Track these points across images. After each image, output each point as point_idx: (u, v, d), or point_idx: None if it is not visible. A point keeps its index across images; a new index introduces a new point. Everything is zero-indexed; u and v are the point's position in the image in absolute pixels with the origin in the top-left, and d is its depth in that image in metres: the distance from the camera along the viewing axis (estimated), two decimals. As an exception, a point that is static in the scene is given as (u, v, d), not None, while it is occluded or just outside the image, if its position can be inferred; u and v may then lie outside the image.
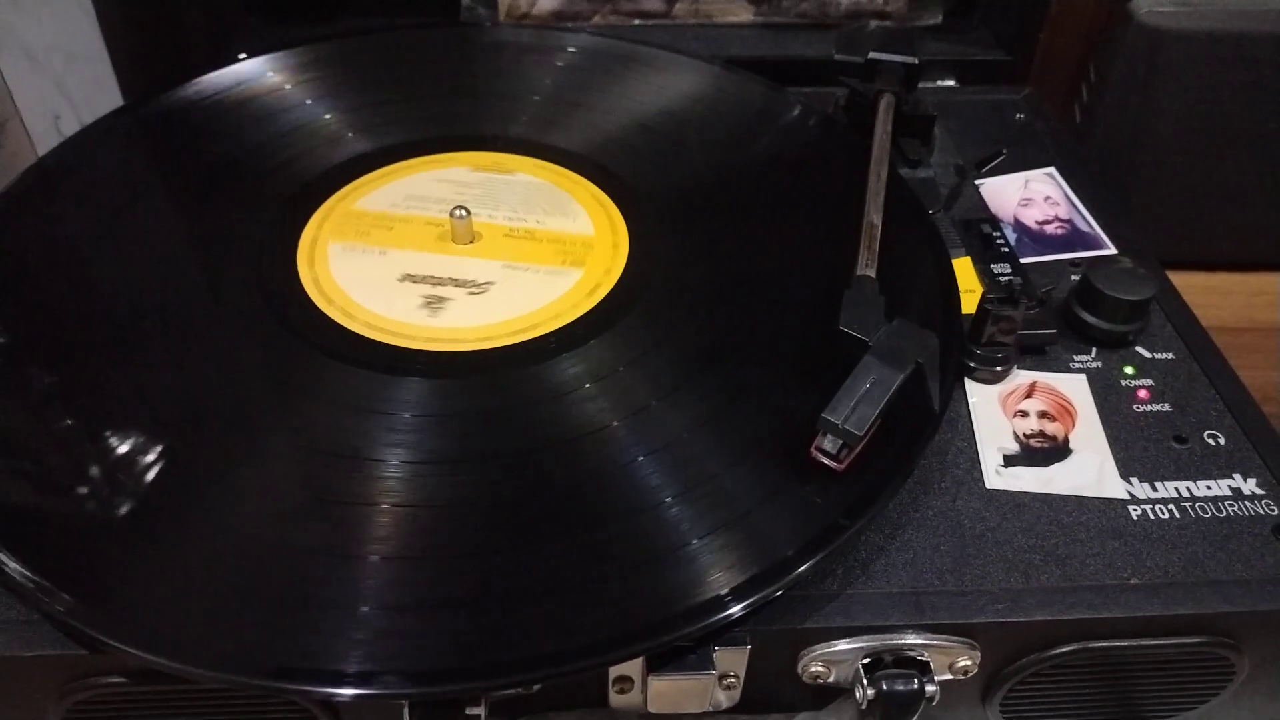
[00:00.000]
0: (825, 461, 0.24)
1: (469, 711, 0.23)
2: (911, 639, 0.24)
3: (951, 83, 0.43)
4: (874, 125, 0.33)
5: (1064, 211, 0.35)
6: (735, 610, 0.22)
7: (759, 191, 0.33)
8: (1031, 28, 0.43)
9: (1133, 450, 0.27)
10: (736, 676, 0.24)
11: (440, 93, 0.37)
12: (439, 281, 0.29)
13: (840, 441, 0.24)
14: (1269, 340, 0.42)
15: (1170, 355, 0.30)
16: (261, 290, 0.29)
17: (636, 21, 0.45)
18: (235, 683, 0.21)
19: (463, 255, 0.30)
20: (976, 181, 0.36)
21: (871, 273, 0.28)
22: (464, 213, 0.30)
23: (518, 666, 0.21)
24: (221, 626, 0.21)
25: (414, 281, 0.29)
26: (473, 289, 0.29)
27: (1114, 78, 0.41)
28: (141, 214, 0.32)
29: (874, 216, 0.29)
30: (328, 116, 0.35)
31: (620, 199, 0.32)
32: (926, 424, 0.25)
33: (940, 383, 0.25)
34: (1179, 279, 0.42)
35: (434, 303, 0.28)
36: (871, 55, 0.36)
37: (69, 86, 0.40)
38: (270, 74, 0.36)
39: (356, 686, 0.20)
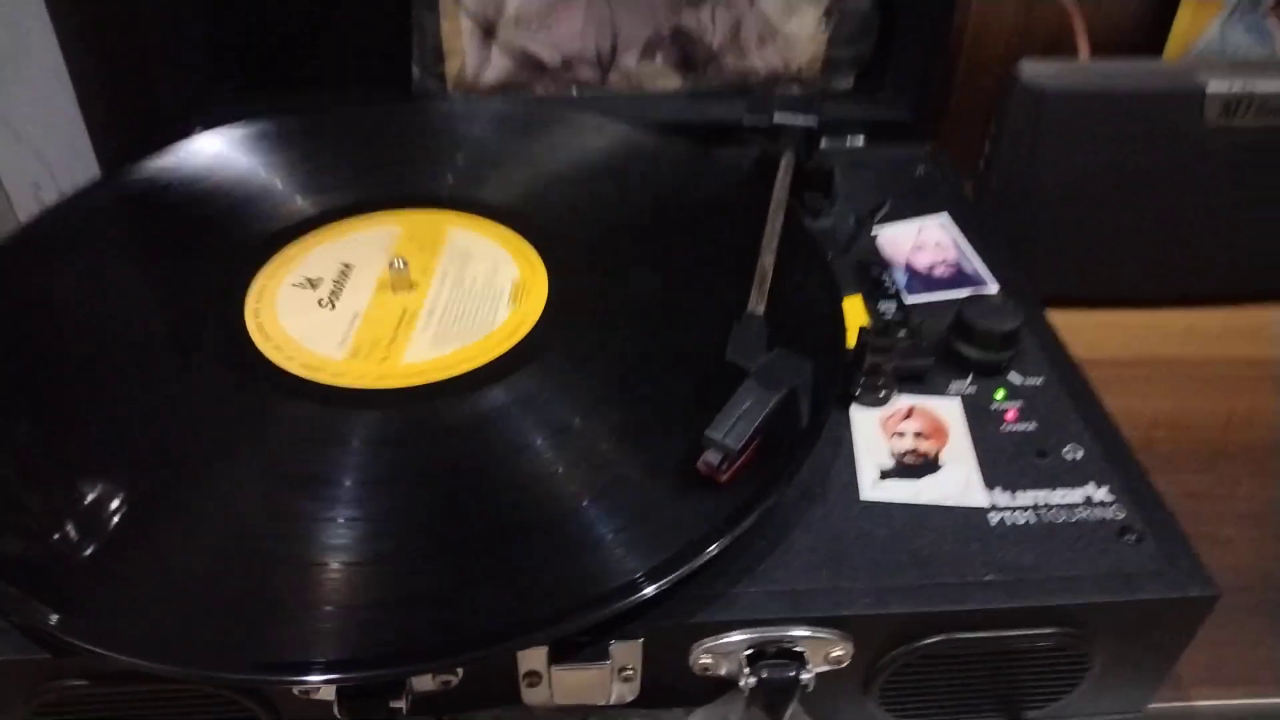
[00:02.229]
0: (710, 474, 0.27)
1: (393, 704, 0.26)
2: (790, 632, 0.26)
3: (861, 141, 0.47)
4: (777, 187, 0.37)
5: (952, 255, 0.39)
6: (634, 599, 0.24)
7: (673, 238, 0.37)
8: (932, 92, 0.47)
9: (998, 464, 0.31)
10: (634, 669, 0.26)
11: (388, 160, 0.41)
12: (379, 324, 0.33)
13: (722, 455, 0.27)
14: (1160, 371, 0.46)
15: (1039, 380, 0.34)
16: (218, 335, 0.32)
17: (574, 90, 0.49)
18: (180, 674, 0.23)
19: (399, 300, 0.34)
20: (875, 229, 0.40)
21: (760, 310, 0.31)
22: (401, 263, 0.34)
23: (431, 653, 0.24)
24: (176, 628, 0.24)
25: (354, 324, 0.32)
26: (408, 330, 0.32)
27: (1005, 133, 0.45)
28: (112, 272, 0.35)
29: (766, 260, 0.33)
30: (279, 182, 0.39)
31: (545, 247, 0.36)
32: (802, 442, 0.28)
33: (816, 405, 0.29)
34: (1077, 316, 0.46)
35: (375, 342, 0.32)
36: (776, 119, 0.40)
37: (48, 156, 0.43)
38: (229, 145, 0.40)
39: (281, 674, 0.23)
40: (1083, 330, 0.46)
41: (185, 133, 0.40)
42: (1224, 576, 0.33)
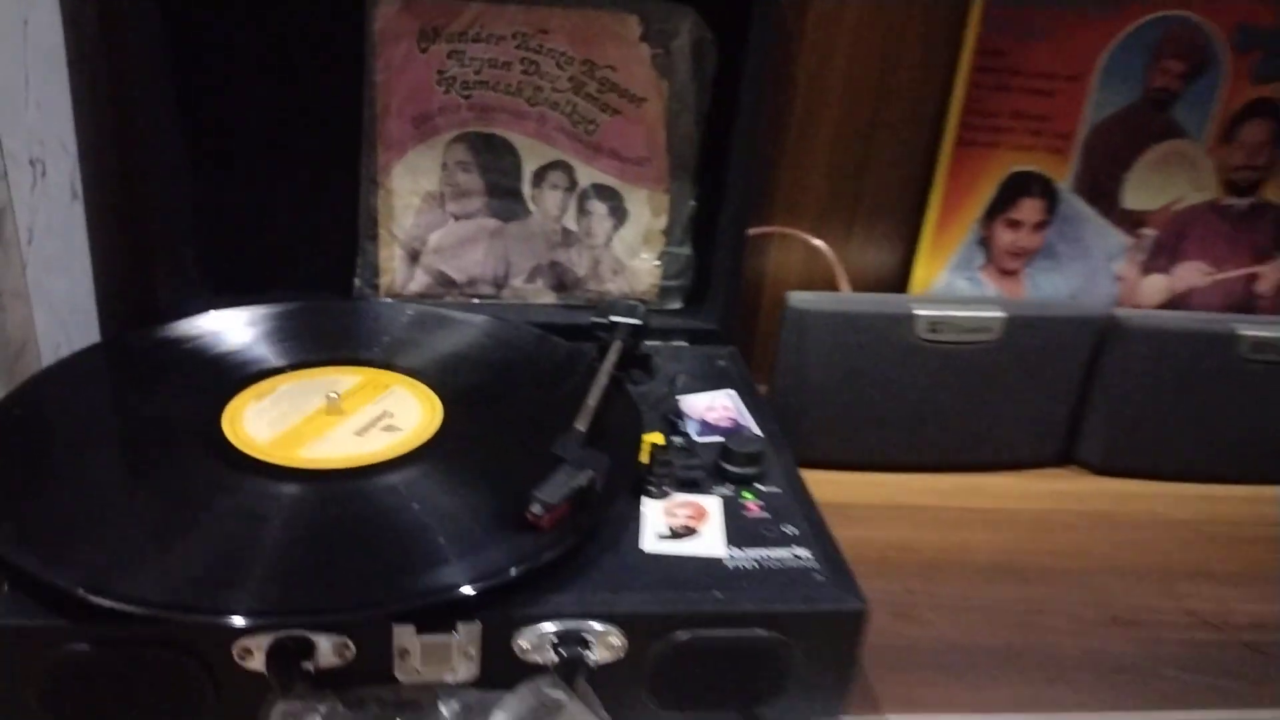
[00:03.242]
0: (535, 522, 0.41)
1: (304, 664, 0.37)
2: (584, 624, 0.39)
3: (684, 343, 0.64)
4: (606, 359, 0.54)
5: (732, 414, 0.55)
6: (471, 593, 0.37)
7: (535, 394, 0.52)
8: (732, 313, 0.65)
9: (739, 535, 0.45)
10: (474, 649, 0.39)
11: (335, 336, 0.56)
12: (312, 431, 0.47)
13: (543, 508, 0.41)
14: (900, 514, 0.61)
15: (778, 489, 0.49)
16: (201, 439, 0.46)
17: (476, 300, 0.66)
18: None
19: (333, 421, 0.48)
20: (680, 396, 0.56)
21: (581, 427, 0.46)
22: (335, 395, 0.48)
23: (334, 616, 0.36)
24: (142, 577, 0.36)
25: (300, 432, 0.46)
26: (336, 439, 0.46)
27: (783, 341, 0.62)
28: (118, 401, 0.49)
29: (590, 399, 0.48)
30: (251, 345, 0.54)
31: (444, 395, 0.51)
32: (596, 508, 0.42)
33: (611, 488, 0.43)
34: (844, 475, 0.62)
35: (304, 441, 0.46)
36: (611, 318, 0.57)
37: (69, 326, 0.58)
38: (210, 325, 0.55)
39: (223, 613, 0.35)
40: (847, 484, 0.63)
41: (177, 315, 0.56)
42: (921, 644, 0.47)
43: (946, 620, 0.52)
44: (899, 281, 0.72)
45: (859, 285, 0.72)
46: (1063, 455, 0.68)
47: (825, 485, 0.61)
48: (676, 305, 0.67)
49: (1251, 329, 0.63)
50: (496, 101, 0.61)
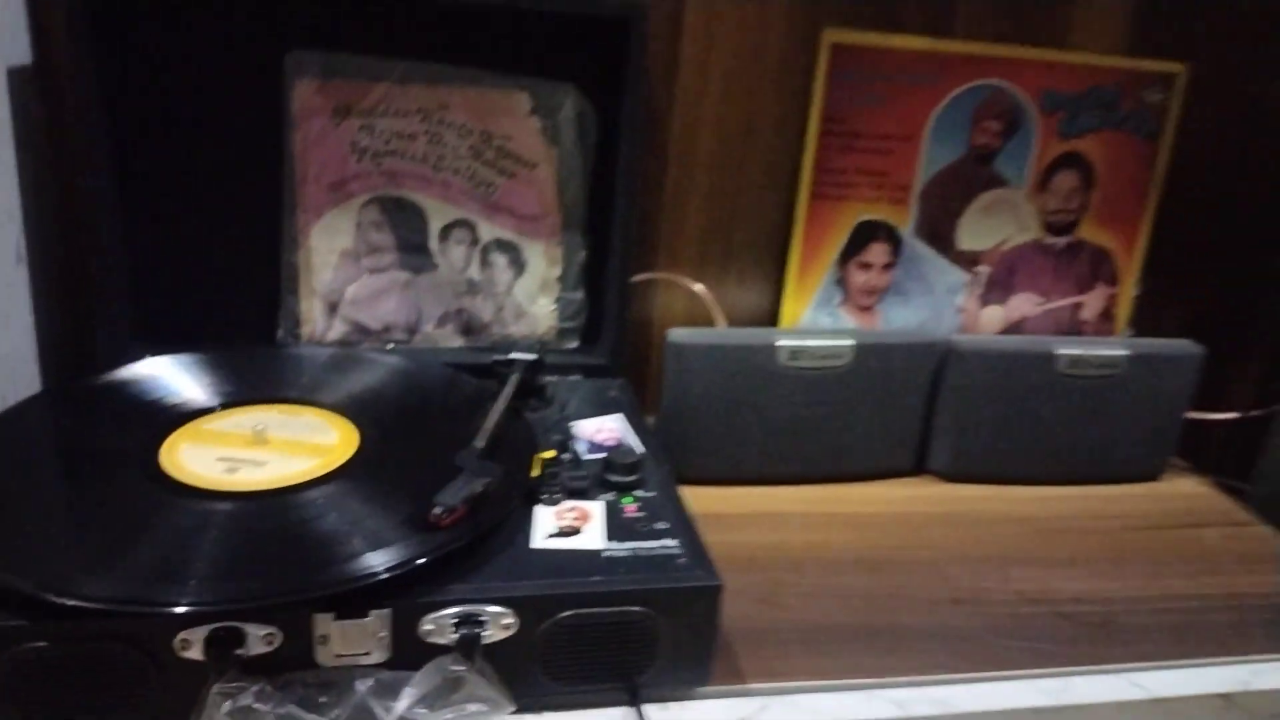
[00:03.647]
0: (437, 521, 0.48)
1: (237, 651, 0.43)
2: (479, 608, 0.46)
3: (580, 377, 0.72)
4: (505, 389, 0.61)
5: (618, 435, 0.63)
6: (381, 574, 0.44)
7: (442, 422, 0.59)
8: (621, 351, 0.73)
9: (618, 531, 0.52)
10: (386, 633, 0.45)
11: (258, 381, 0.63)
12: (246, 461, 0.53)
13: (444, 509, 0.48)
14: (773, 520, 0.69)
15: (654, 494, 0.56)
16: (142, 469, 0.52)
17: (390, 345, 0.73)
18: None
19: (259, 450, 0.54)
20: (572, 421, 0.64)
21: (480, 444, 0.53)
22: (261, 427, 0.55)
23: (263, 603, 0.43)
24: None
25: (230, 460, 0.53)
26: (262, 465, 0.53)
27: (666, 370, 0.71)
28: (67, 440, 0.55)
29: (489, 421, 0.56)
30: (185, 388, 0.60)
31: (358, 424, 0.57)
32: (491, 510, 0.50)
33: (507, 494, 0.50)
34: (726, 489, 0.70)
35: (234, 469, 0.52)
36: (511, 356, 0.65)
37: (16, 378, 0.63)
38: (147, 370, 0.61)
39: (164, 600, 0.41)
40: (725, 497, 0.71)
41: (121, 364, 0.62)
42: (783, 625, 0.55)
43: (807, 605, 0.60)
44: (771, 318, 0.81)
45: (736, 322, 0.81)
46: (916, 465, 0.77)
47: (706, 498, 0.69)
48: (573, 344, 0.75)
49: (1066, 348, 0.74)
50: (405, 168, 0.69)
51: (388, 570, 0.45)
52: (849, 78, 0.74)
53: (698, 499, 0.71)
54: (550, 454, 0.58)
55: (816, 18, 0.73)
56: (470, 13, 0.67)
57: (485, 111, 0.69)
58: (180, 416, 0.57)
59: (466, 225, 0.71)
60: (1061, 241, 0.81)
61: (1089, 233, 0.81)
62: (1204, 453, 0.89)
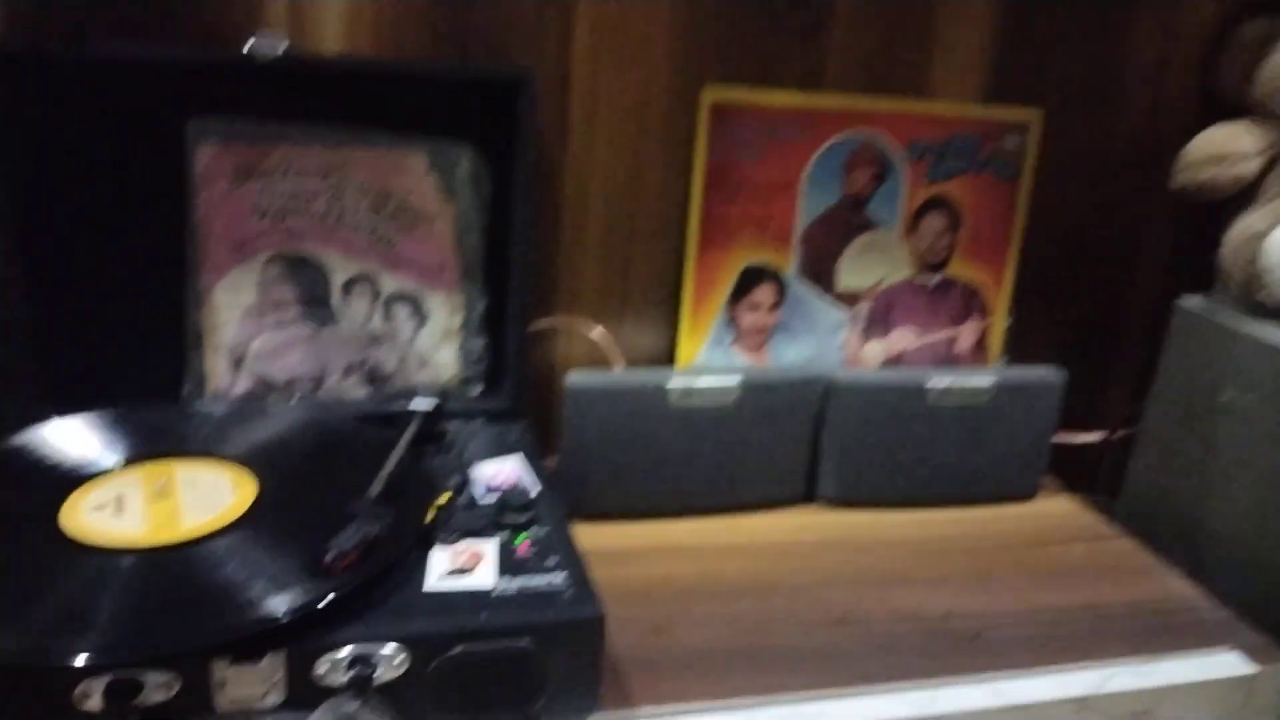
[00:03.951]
0: (330, 566, 0.50)
1: (135, 701, 0.45)
2: (374, 648, 0.49)
3: (483, 421, 0.75)
4: (403, 436, 0.64)
5: (516, 476, 0.66)
6: (275, 619, 0.46)
7: (335, 472, 0.62)
8: (521, 396, 0.76)
9: (509, 569, 0.55)
10: (281, 675, 0.48)
11: (162, 437, 0.64)
12: (147, 517, 0.55)
13: (336, 555, 0.50)
14: (665, 554, 0.73)
15: (547, 531, 0.60)
16: (43, 529, 0.53)
17: (294, 400, 0.75)
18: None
19: (161, 505, 0.56)
20: (473, 464, 0.67)
21: (375, 492, 0.56)
22: (163, 483, 0.57)
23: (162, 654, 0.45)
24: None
25: (132, 516, 0.55)
26: (163, 520, 0.55)
27: (565, 412, 0.74)
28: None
29: (385, 469, 0.58)
30: (88, 447, 0.62)
31: (259, 475, 0.60)
32: (385, 553, 0.52)
33: (400, 539, 0.53)
34: (625, 524, 0.73)
35: (135, 523, 0.54)
36: (411, 405, 0.68)
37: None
38: (51, 432, 0.63)
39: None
40: (623, 532, 0.75)
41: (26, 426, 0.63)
42: (673, 652, 0.58)
43: (696, 632, 0.64)
44: (669, 358, 0.86)
45: (636, 362, 0.85)
46: (806, 494, 0.81)
47: (606, 534, 0.73)
48: (477, 390, 0.78)
49: (936, 380, 0.79)
50: (306, 226, 0.72)
51: (281, 615, 0.47)
52: (729, 132, 0.79)
53: (598, 535, 0.75)
54: (445, 497, 0.61)
55: (696, 77, 0.78)
56: (367, 77, 0.70)
57: (384, 171, 0.72)
58: (84, 476, 0.59)
59: (368, 279, 0.74)
60: (934, 279, 0.87)
61: (959, 269, 0.88)
62: (1078, 472, 0.96)
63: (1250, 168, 0.85)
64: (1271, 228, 0.77)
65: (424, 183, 0.73)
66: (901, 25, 0.82)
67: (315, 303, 0.74)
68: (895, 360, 0.88)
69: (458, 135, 0.72)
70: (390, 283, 0.75)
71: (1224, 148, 0.85)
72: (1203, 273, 0.88)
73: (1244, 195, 0.87)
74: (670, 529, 0.76)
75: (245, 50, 0.63)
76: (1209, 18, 0.89)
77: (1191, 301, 0.83)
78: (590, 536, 0.73)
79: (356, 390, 0.76)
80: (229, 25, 0.70)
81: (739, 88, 0.79)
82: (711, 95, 0.78)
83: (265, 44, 0.63)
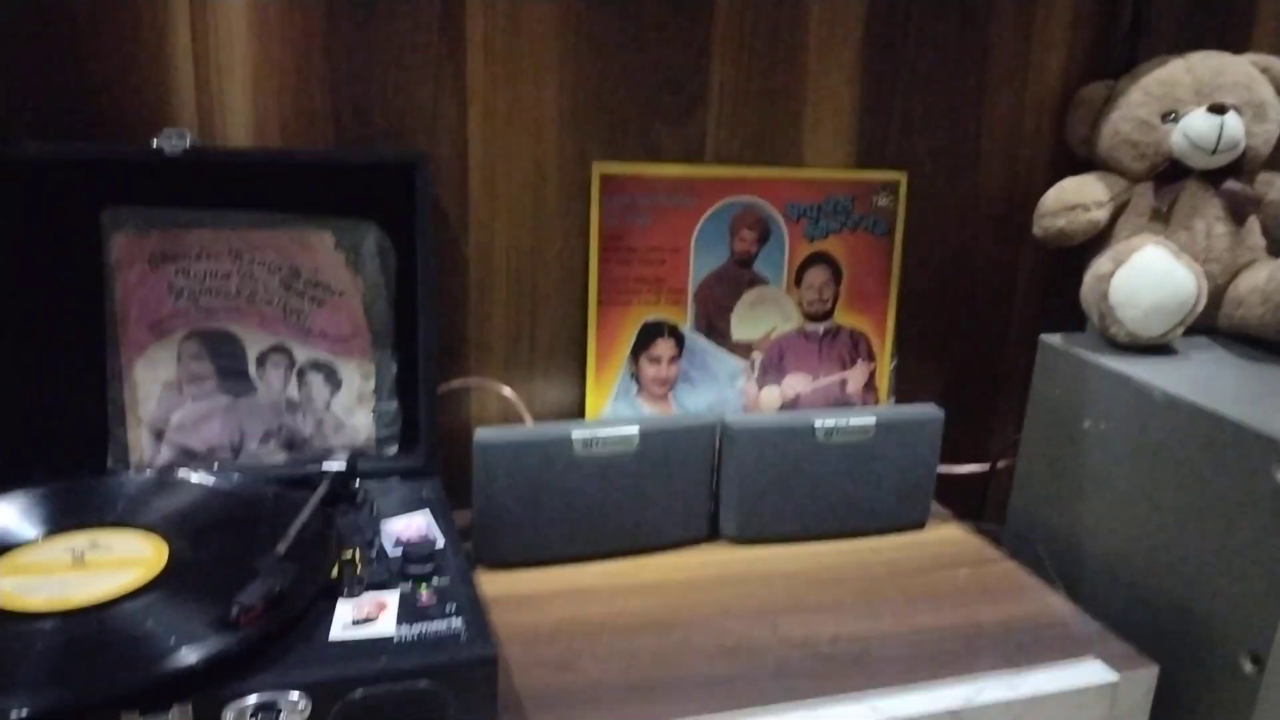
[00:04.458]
0: (236, 620, 0.54)
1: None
2: (278, 695, 0.52)
3: (398, 479, 0.79)
4: (312, 497, 0.68)
5: (424, 530, 0.70)
6: (177, 670, 0.50)
7: (246, 534, 0.66)
8: (432, 455, 0.81)
9: (410, 617, 0.59)
10: (191, 726, 0.51)
11: (82, 509, 0.68)
12: (65, 584, 0.58)
13: (239, 610, 0.54)
14: (578, 595, 0.77)
15: (449, 581, 0.64)
16: (-41, 599, 0.57)
17: (215, 466, 0.79)
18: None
19: (79, 572, 0.60)
20: (383, 520, 0.71)
21: (281, 550, 0.60)
22: (80, 550, 0.60)
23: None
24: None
25: (51, 583, 0.58)
26: (80, 586, 0.58)
27: (475, 466, 0.79)
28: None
29: (292, 528, 0.63)
30: (9, 522, 0.65)
31: (171, 540, 0.63)
32: (289, 607, 0.56)
33: (303, 591, 0.57)
34: (537, 571, 0.77)
35: (53, 591, 0.57)
36: (323, 467, 0.72)
37: None
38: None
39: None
40: (533, 579, 0.79)
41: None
42: (576, 687, 0.62)
43: (598, 668, 0.68)
44: (579, 411, 0.91)
45: (546, 417, 0.90)
46: (710, 533, 0.87)
47: (517, 581, 0.77)
48: (392, 450, 0.83)
49: (822, 420, 0.85)
50: (221, 304, 0.77)
51: (186, 667, 0.51)
52: (620, 202, 0.85)
53: (510, 582, 0.79)
54: (349, 552, 0.65)
55: (586, 153, 0.85)
56: (275, 165, 0.76)
57: (293, 250, 0.77)
58: (6, 547, 0.62)
59: (282, 350, 0.79)
60: (821, 327, 0.94)
61: (843, 318, 0.94)
62: (967, 501, 1.02)
63: (1101, 215, 0.93)
64: (1117, 268, 0.85)
65: (332, 259, 0.78)
66: (771, 104, 0.90)
67: (232, 375, 0.78)
68: (792, 404, 0.94)
69: (362, 215, 0.78)
70: (304, 353, 0.79)
71: (1076, 197, 0.93)
72: (1075, 312, 0.96)
73: (1097, 240, 0.95)
74: (579, 573, 0.80)
75: (154, 145, 0.69)
76: (1055, 83, 0.98)
77: (1054, 339, 0.90)
78: (503, 584, 0.78)
79: (275, 456, 0.80)
80: (140, 122, 0.75)
81: (627, 162, 0.85)
82: (601, 169, 0.85)
83: (172, 139, 0.68)
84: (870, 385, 0.97)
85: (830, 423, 0.85)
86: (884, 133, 0.94)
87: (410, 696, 0.55)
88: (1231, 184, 0.91)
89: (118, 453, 0.76)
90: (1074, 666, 0.72)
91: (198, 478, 0.73)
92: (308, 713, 0.53)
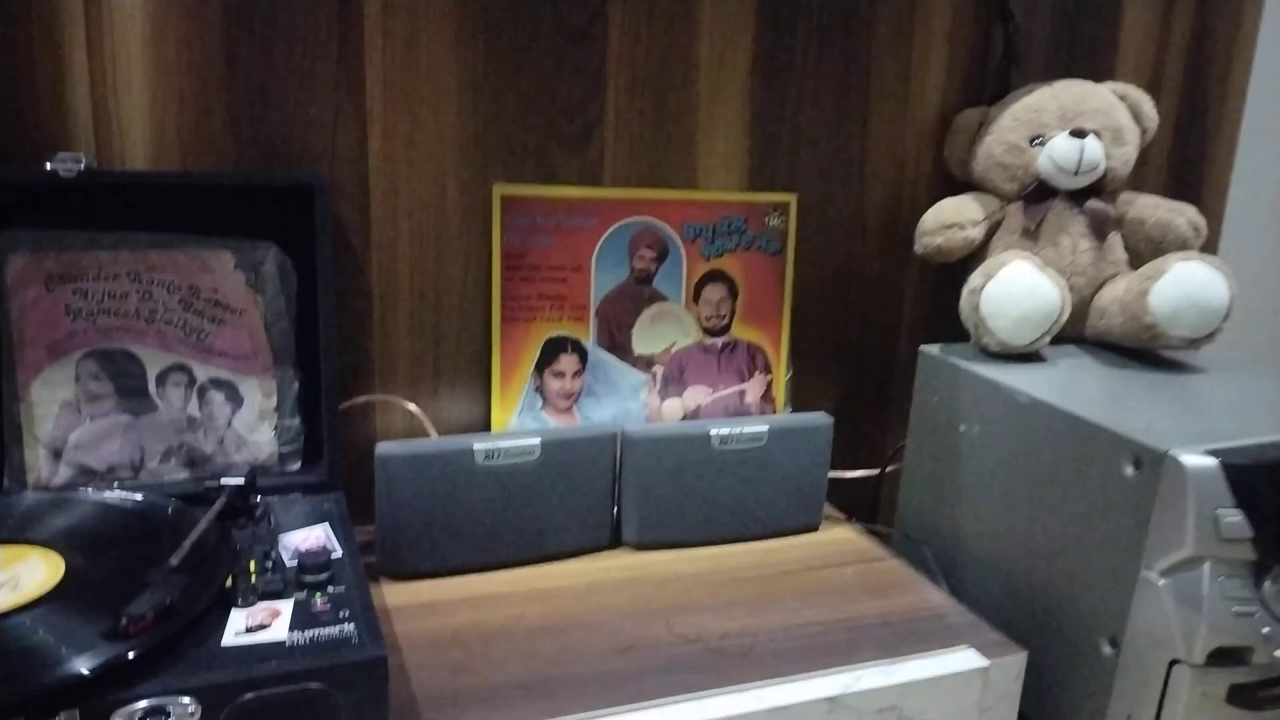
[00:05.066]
0: (126, 630, 0.55)
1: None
2: (168, 700, 0.54)
3: (301, 494, 0.81)
4: (209, 511, 0.69)
5: (322, 541, 0.72)
6: (62, 679, 0.51)
7: (141, 548, 0.67)
8: (335, 469, 0.83)
9: (304, 623, 0.61)
10: (80, 732, 0.52)
11: (-25, 526, 0.68)
12: (-49, 601, 0.59)
13: (129, 620, 0.55)
14: (489, 601, 0.79)
15: (344, 588, 0.66)
16: None
17: (116, 484, 0.79)
18: None
19: (-32, 590, 0.60)
20: (282, 533, 0.72)
21: (175, 561, 0.61)
22: (-30, 568, 0.61)
23: None
24: None
25: (-64, 602, 0.59)
26: (-30, 601, 0.59)
27: (377, 479, 0.81)
28: None
29: (187, 541, 0.64)
30: (-101, 542, 0.65)
31: (67, 555, 0.64)
32: (179, 616, 0.58)
33: (195, 601, 0.59)
34: (432, 583, 0.79)
35: (-55, 608, 0.58)
36: (221, 482, 0.73)
37: None
38: None
39: None
40: (436, 588, 0.80)
41: None
42: (472, 690, 0.64)
43: (495, 670, 0.70)
44: (484, 427, 0.93)
45: (452, 432, 0.92)
46: (613, 540, 0.90)
47: (419, 590, 0.79)
48: (296, 466, 0.84)
49: (717, 428, 0.89)
50: (119, 323, 0.77)
51: (73, 675, 0.52)
52: (521, 222, 0.89)
53: (412, 592, 0.81)
54: (251, 564, 0.66)
55: (486, 176, 0.88)
56: (173, 186, 0.77)
57: (192, 270, 0.78)
58: (-108, 568, 0.62)
59: (182, 369, 0.80)
60: (719, 341, 0.98)
61: (740, 332, 0.99)
62: (861, 504, 1.07)
63: (976, 233, 0.99)
64: (987, 282, 0.91)
65: (231, 279, 0.80)
66: (665, 129, 0.94)
67: (131, 394, 0.79)
68: (693, 414, 0.98)
69: (261, 235, 0.80)
70: (204, 371, 0.80)
71: (953, 216, 0.99)
72: (960, 324, 1.02)
73: (974, 256, 1.01)
74: (483, 581, 0.82)
75: (47, 168, 0.70)
76: (934, 110, 1.05)
77: (932, 349, 0.96)
78: (406, 594, 0.80)
79: (176, 473, 0.81)
80: (33, 145, 0.76)
81: (525, 184, 0.89)
82: (501, 190, 0.88)
83: (66, 162, 0.69)
84: (768, 396, 1.01)
85: (725, 430, 0.89)
86: (773, 156, 0.99)
87: (302, 699, 0.57)
88: (1094, 203, 0.98)
89: (14, 472, 0.76)
90: (948, 654, 0.76)
91: (96, 495, 0.73)
92: (198, 716, 0.55)
